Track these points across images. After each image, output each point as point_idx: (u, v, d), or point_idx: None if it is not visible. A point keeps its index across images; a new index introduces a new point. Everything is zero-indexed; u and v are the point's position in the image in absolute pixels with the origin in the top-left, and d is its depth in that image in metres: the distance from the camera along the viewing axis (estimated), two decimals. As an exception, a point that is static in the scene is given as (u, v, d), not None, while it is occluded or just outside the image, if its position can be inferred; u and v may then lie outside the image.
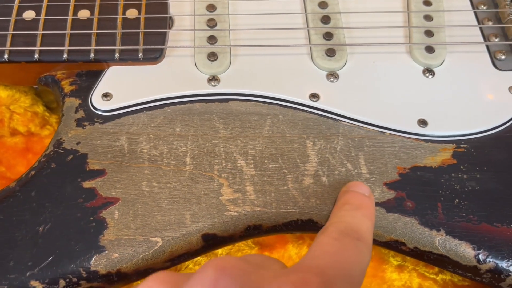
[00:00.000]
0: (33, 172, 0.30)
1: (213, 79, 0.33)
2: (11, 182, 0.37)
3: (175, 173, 0.30)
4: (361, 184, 0.29)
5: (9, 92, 0.36)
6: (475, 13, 0.37)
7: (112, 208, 0.29)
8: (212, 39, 0.34)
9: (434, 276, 0.35)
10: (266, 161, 0.31)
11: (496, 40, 0.35)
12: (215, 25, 0.35)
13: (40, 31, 0.33)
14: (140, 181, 0.30)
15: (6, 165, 0.39)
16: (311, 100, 0.33)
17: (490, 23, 0.36)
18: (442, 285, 0.35)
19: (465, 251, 0.29)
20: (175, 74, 0.33)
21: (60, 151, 0.31)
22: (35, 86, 0.36)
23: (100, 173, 0.30)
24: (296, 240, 0.35)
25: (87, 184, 0.30)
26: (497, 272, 0.28)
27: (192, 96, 0.33)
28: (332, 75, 0.34)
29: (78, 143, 0.31)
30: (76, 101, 0.33)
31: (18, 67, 0.33)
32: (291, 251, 0.35)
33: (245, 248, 0.35)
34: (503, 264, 0.28)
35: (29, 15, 0.34)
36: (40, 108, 0.38)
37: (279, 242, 0.35)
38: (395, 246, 0.30)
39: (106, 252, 0.28)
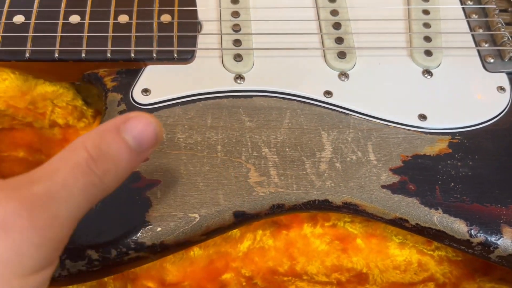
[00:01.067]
0: (83, 158, 0.34)
1: (239, 77, 0.38)
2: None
3: (208, 159, 0.35)
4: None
5: (54, 87, 0.40)
6: (468, 22, 0.42)
7: (155, 189, 0.33)
8: (237, 42, 0.39)
9: (432, 252, 0.39)
10: (287, 149, 0.35)
11: (486, 45, 0.40)
12: (240, 30, 0.39)
13: (85, 34, 0.37)
14: (178, 166, 0.34)
15: (46, 154, 0.43)
16: (325, 96, 0.37)
17: (481, 30, 0.41)
18: (438, 260, 0.39)
19: (459, 227, 0.33)
20: (205, 73, 0.38)
21: (107, 139, 0.35)
22: (77, 82, 0.40)
23: (143, 158, 0.34)
24: (311, 220, 0.39)
25: (132, 168, 0.34)
26: (486, 245, 0.33)
27: (220, 92, 0.37)
28: (343, 74, 0.38)
29: (122, 133, 0.35)
30: (118, 96, 0.37)
31: (65, 65, 0.37)
32: (306, 230, 0.39)
33: (266, 226, 0.39)
34: (492, 238, 0.33)
35: (74, 19, 0.38)
36: (79, 102, 0.42)
37: (295, 221, 0.39)
38: (400, 223, 0.34)
39: (151, 226, 0.32)
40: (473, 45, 0.40)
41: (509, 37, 0.40)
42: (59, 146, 0.44)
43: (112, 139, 0.25)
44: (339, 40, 0.39)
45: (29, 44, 0.37)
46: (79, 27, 0.38)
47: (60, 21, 0.38)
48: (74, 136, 0.44)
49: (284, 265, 0.38)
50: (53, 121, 0.43)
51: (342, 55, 0.39)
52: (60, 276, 0.31)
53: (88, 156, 0.24)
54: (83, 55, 0.37)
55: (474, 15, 0.42)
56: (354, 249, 0.39)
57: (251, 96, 0.37)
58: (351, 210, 0.34)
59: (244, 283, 0.38)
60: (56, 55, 0.36)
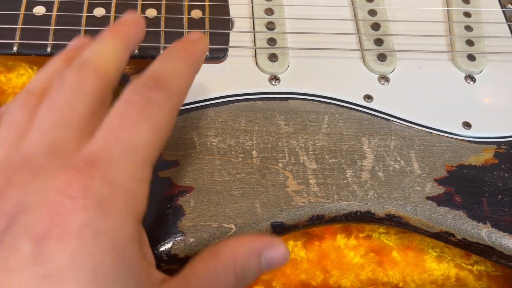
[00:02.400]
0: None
1: (274, 78, 0.35)
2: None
3: (243, 165, 0.32)
4: (195, 33, 0.27)
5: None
6: (509, 26, 0.40)
7: (187, 196, 0.31)
8: (272, 41, 0.37)
9: (470, 267, 0.37)
10: (326, 156, 0.33)
11: (529, 51, 0.38)
12: (274, 28, 0.37)
13: (111, 28, 0.35)
14: (212, 172, 0.32)
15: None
16: (365, 100, 0.35)
17: (523, 35, 0.39)
18: (477, 275, 0.37)
19: (509, 242, 0.32)
20: (238, 73, 0.36)
21: (134, 142, 0.33)
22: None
23: (174, 163, 0.32)
24: (344, 231, 0.37)
25: (162, 174, 0.32)
26: (536, 262, 0.32)
27: (254, 94, 0.35)
28: (384, 78, 0.36)
29: (150, 135, 0.33)
30: (145, 95, 0.34)
31: (89, 61, 0.35)
32: (340, 241, 0.37)
33: (297, 237, 0.37)
34: (542, 254, 0.31)
35: (99, 12, 0.36)
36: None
37: (328, 232, 0.37)
38: (445, 237, 0.32)
39: (184, 237, 0.30)
40: (516, 50, 0.39)
41: (554, 43, 0.38)
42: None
43: (253, 263, 0.24)
44: (379, 42, 0.37)
45: (51, 37, 0.34)
46: (104, 20, 0.35)
47: (84, 14, 0.35)
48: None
49: (317, 278, 0.36)
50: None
51: (382, 57, 0.37)
52: None
53: (235, 278, 0.24)
54: (109, 51, 0.34)
55: (515, 19, 0.40)
56: (390, 262, 0.37)
57: (286, 99, 0.35)
58: (394, 222, 0.32)
59: (275, 297, 0.35)
60: (81, 50, 0.34)
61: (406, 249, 0.38)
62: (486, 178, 0.33)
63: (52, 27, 0.34)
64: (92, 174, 0.20)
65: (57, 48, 0.34)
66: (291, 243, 0.37)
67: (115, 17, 0.36)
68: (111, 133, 0.21)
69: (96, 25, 0.35)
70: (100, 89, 0.23)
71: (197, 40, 0.26)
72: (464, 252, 0.38)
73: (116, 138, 0.21)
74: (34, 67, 0.36)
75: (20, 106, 0.24)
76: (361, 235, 0.38)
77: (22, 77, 0.36)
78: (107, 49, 0.25)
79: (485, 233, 0.32)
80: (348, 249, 0.37)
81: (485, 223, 0.32)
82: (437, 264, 0.37)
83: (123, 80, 0.35)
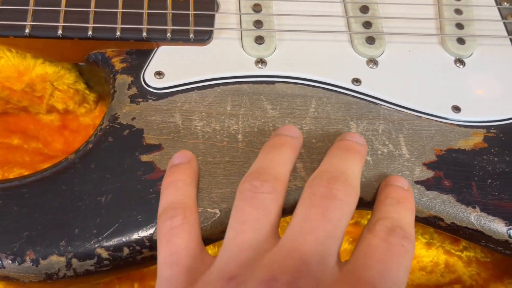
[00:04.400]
0: (91, 145, 0.31)
1: (261, 61, 0.35)
2: (49, 159, 0.38)
3: (228, 149, 0.32)
4: (400, 178, 0.31)
5: (55, 68, 0.36)
6: (499, 9, 0.39)
7: (171, 181, 0.30)
8: (258, 23, 0.36)
9: (459, 253, 0.37)
10: (313, 140, 0.33)
11: (520, 34, 0.38)
12: (260, 10, 0.36)
13: (92, 9, 0.34)
14: (196, 156, 0.31)
15: (43, 141, 0.40)
16: (353, 84, 0.35)
17: (514, 18, 0.39)
18: (466, 261, 0.37)
19: (498, 226, 0.31)
20: (224, 56, 0.35)
21: (116, 125, 0.32)
22: (80, 63, 0.37)
23: (157, 147, 0.31)
24: (333, 218, 0.37)
25: (145, 158, 0.31)
26: (526, 246, 0.31)
27: (240, 78, 0.34)
28: (372, 61, 0.36)
29: (133, 119, 0.32)
30: (128, 78, 0.33)
31: (69, 43, 0.34)
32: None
33: (283, 224, 0.36)
34: (531, 239, 0.31)
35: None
36: (81, 86, 0.38)
37: (316, 219, 0.37)
38: (434, 222, 0.32)
39: (167, 222, 0.29)
40: (505, 33, 0.38)
41: (544, 27, 0.38)
42: (58, 134, 0.40)
43: None
44: (367, 25, 0.37)
45: (29, 18, 0.33)
46: (85, 1, 0.34)
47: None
48: (74, 122, 0.41)
49: (304, 265, 0.35)
50: (51, 106, 0.39)
51: (370, 40, 0.36)
52: (65, 277, 0.28)
53: None
54: (90, 32, 0.33)
55: (505, 3, 0.39)
56: (378, 248, 0.36)
57: (273, 82, 0.34)
58: (382, 207, 0.32)
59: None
60: (60, 31, 0.33)
61: (395, 235, 0.37)
62: (476, 162, 0.33)
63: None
64: None
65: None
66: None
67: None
68: (381, 266, 0.25)
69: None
70: (354, 209, 0.27)
71: (409, 189, 0.30)
72: (453, 238, 0.37)
73: (388, 272, 0.24)
74: (13, 50, 0.35)
75: (269, 190, 0.27)
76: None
77: (0, 60, 0.35)
78: (356, 167, 0.29)
79: (474, 218, 0.31)
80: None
81: (474, 207, 0.31)
82: (426, 251, 0.37)
83: (103, 62, 0.34)
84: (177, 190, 0.28)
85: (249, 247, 0.25)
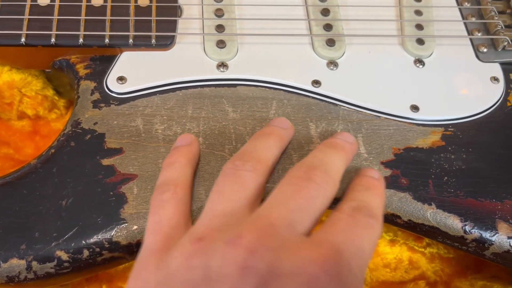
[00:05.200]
0: (53, 150, 0.32)
1: (222, 65, 0.35)
2: (20, 164, 0.38)
3: (189, 152, 0.32)
4: (371, 169, 0.32)
5: (22, 75, 0.37)
6: (460, 10, 0.40)
7: (131, 183, 0.31)
8: (220, 28, 0.36)
9: (423, 250, 0.38)
10: (273, 141, 0.33)
11: (479, 34, 0.39)
12: (223, 14, 0.37)
13: (55, 16, 0.34)
14: (156, 159, 0.32)
15: (14, 147, 0.40)
16: (313, 86, 0.35)
17: (474, 19, 0.39)
18: (430, 257, 0.38)
19: (454, 223, 0.32)
20: (186, 60, 0.35)
21: (78, 130, 0.32)
22: (47, 70, 0.37)
23: (118, 151, 0.32)
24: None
25: (106, 162, 0.31)
26: (481, 242, 0.32)
27: (202, 81, 0.35)
28: (332, 63, 0.36)
29: (95, 123, 0.33)
30: (91, 84, 0.34)
31: (33, 51, 0.34)
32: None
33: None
34: (487, 234, 0.32)
35: (44, 0, 0.35)
36: (50, 92, 0.39)
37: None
38: (391, 219, 0.33)
39: (127, 224, 0.30)
40: (465, 34, 0.39)
41: (503, 26, 0.38)
42: (29, 139, 0.41)
43: None
44: (328, 27, 0.37)
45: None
46: (48, 9, 0.35)
47: (28, 3, 0.35)
48: (45, 128, 0.41)
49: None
50: (21, 112, 0.40)
51: (331, 42, 0.37)
52: (26, 279, 0.29)
53: None
54: (53, 39, 0.34)
55: (466, 3, 0.40)
56: (342, 246, 0.37)
57: (234, 85, 0.35)
58: (341, 205, 0.32)
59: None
60: (23, 39, 0.34)
61: (359, 233, 0.38)
62: (433, 160, 0.34)
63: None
64: (342, 261, 0.24)
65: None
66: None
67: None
68: (346, 234, 0.25)
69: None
70: (331, 199, 0.28)
71: (379, 179, 0.31)
72: (416, 235, 0.38)
73: (352, 240, 0.25)
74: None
75: (249, 169, 0.28)
76: (314, 220, 0.38)
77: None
78: (337, 162, 0.30)
79: (430, 214, 0.32)
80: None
81: (430, 204, 0.32)
82: (390, 248, 0.38)
83: (67, 68, 0.35)
84: (173, 170, 0.30)
85: (223, 214, 0.26)
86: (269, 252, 0.23)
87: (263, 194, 0.29)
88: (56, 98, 0.40)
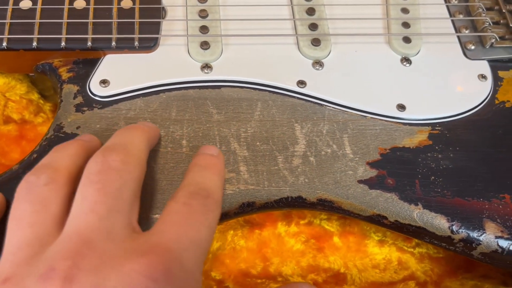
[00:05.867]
0: (35, 155, 0.31)
1: (206, 66, 0.35)
2: (5, 169, 0.38)
3: (172, 155, 0.32)
4: (210, 146, 0.31)
5: (5, 79, 0.37)
6: (447, 7, 0.40)
7: (113, 188, 0.30)
8: (204, 29, 0.36)
9: (412, 250, 0.37)
10: (258, 143, 0.33)
11: (466, 31, 0.38)
12: (207, 15, 0.37)
13: (37, 20, 0.34)
14: (140, 163, 0.31)
15: (0, 152, 0.40)
16: (298, 86, 0.35)
17: (461, 16, 0.39)
18: (419, 257, 0.37)
19: (440, 223, 0.31)
20: (170, 62, 0.35)
21: (61, 135, 0.32)
22: (31, 74, 0.37)
23: (100, 155, 0.31)
24: (285, 218, 0.37)
25: (88, 166, 0.31)
26: (468, 241, 0.31)
27: (186, 83, 0.35)
28: (318, 63, 0.36)
29: (78, 127, 0.32)
30: (74, 88, 0.34)
31: (15, 55, 0.34)
32: (280, 229, 0.37)
33: (237, 226, 0.37)
34: (474, 234, 0.31)
35: (25, 4, 0.35)
36: (35, 96, 0.39)
37: (269, 220, 0.37)
38: (378, 220, 0.32)
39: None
40: (453, 31, 0.38)
41: (490, 23, 0.38)
42: (15, 144, 0.40)
43: None
44: (313, 27, 0.37)
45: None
46: (30, 13, 0.35)
47: (10, 7, 0.35)
48: (32, 132, 0.41)
49: (257, 267, 0.36)
50: (7, 117, 0.40)
51: (316, 42, 0.36)
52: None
53: None
54: (35, 43, 0.34)
55: (454, 0, 0.40)
56: (331, 248, 0.37)
57: (219, 87, 0.35)
58: (326, 207, 0.32)
59: (214, 287, 0.35)
60: (5, 43, 0.33)
61: (347, 234, 0.38)
62: (420, 159, 0.33)
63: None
64: (171, 261, 0.22)
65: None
66: (231, 232, 0.37)
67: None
68: (179, 229, 0.24)
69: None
70: (140, 176, 0.27)
71: (218, 155, 0.30)
72: (405, 235, 0.38)
73: (186, 233, 0.24)
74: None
75: (46, 181, 0.25)
76: (302, 222, 0.37)
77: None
78: (138, 139, 0.28)
79: (417, 215, 0.32)
80: (288, 237, 0.37)
81: (417, 205, 0.32)
82: (379, 249, 0.37)
83: (50, 72, 0.35)
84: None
85: (27, 244, 0.23)
86: (89, 275, 0.21)
87: (70, 206, 0.25)
88: (42, 102, 0.39)
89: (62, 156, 0.27)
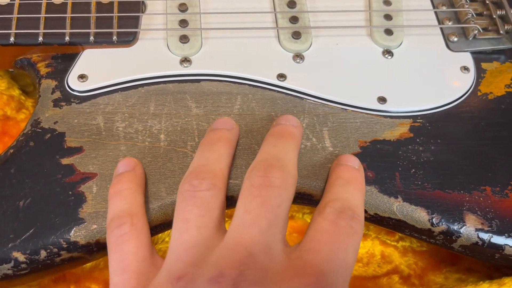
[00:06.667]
0: (11, 151, 0.31)
1: (185, 60, 0.35)
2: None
3: (150, 149, 0.32)
4: (351, 157, 0.31)
5: (-15, 75, 0.37)
6: (431, -1, 0.39)
7: (90, 182, 0.30)
8: (183, 23, 0.36)
9: (395, 243, 0.37)
10: (236, 137, 0.33)
11: (449, 23, 0.38)
12: (186, 9, 0.37)
13: (15, 15, 0.34)
14: (117, 157, 0.31)
15: (-17, 148, 0.40)
16: (278, 80, 0.35)
17: (444, 7, 0.39)
18: (402, 251, 0.37)
19: (420, 215, 0.31)
20: (149, 56, 0.35)
21: (38, 130, 0.32)
22: (10, 70, 0.37)
23: (77, 150, 0.31)
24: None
25: (65, 161, 0.31)
26: (448, 234, 0.31)
27: (165, 77, 0.34)
28: (298, 56, 0.36)
29: (55, 123, 0.32)
30: (52, 83, 0.34)
31: (-7, 51, 0.34)
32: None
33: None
34: (454, 226, 0.31)
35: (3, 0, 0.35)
36: (16, 92, 0.38)
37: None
38: (357, 213, 0.32)
39: (85, 223, 0.29)
40: (436, 23, 0.38)
41: (474, 14, 0.38)
42: (-2, 140, 0.40)
43: None
44: (294, 19, 0.37)
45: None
46: (8, 8, 0.34)
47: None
48: (14, 129, 0.41)
49: (238, 261, 0.36)
50: (-11, 113, 0.39)
51: (296, 35, 0.36)
52: (-16, 282, 0.28)
53: None
54: (12, 38, 0.33)
55: (437, -8, 0.40)
56: (313, 242, 0.37)
57: (198, 81, 0.35)
58: (306, 200, 0.32)
59: (196, 282, 0.35)
60: (-18, 39, 0.33)
61: (330, 228, 0.37)
62: (400, 152, 0.33)
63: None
64: (325, 283, 0.23)
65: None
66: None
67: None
68: (330, 249, 0.25)
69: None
70: (294, 194, 0.28)
71: (359, 168, 0.31)
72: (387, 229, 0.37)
73: (336, 254, 0.25)
74: None
75: (208, 187, 0.27)
76: (284, 216, 0.37)
77: None
78: (292, 153, 0.29)
79: (396, 207, 0.31)
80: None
81: (397, 198, 0.32)
82: (362, 242, 0.37)
83: (29, 67, 0.35)
84: (123, 199, 0.28)
85: (195, 245, 0.25)
86: (253, 286, 0.23)
87: (225, 208, 0.28)
88: (23, 98, 0.39)
89: (216, 158, 0.29)
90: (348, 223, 0.26)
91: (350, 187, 0.29)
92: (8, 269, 0.28)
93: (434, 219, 0.31)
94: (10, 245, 0.28)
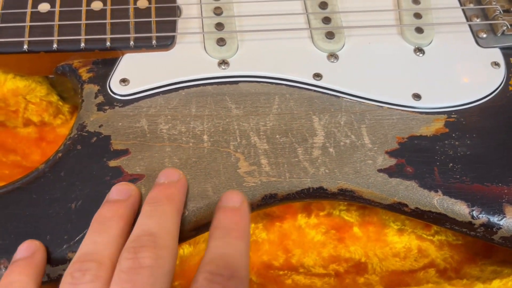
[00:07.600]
0: (60, 154, 0.32)
1: (223, 62, 0.36)
2: (27, 170, 0.39)
3: (194, 150, 0.33)
4: (232, 195, 0.29)
5: (26, 82, 0.37)
6: (458, -3, 0.40)
7: (138, 184, 0.31)
8: (219, 26, 0.37)
9: (431, 237, 0.38)
10: (277, 136, 0.33)
11: (478, 20, 0.39)
12: (222, 12, 0.37)
13: (56, 22, 0.35)
14: (163, 159, 0.32)
15: (21, 154, 0.41)
16: (314, 79, 0.35)
17: (471, 5, 0.39)
18: (438, 245, 0.38)
19: (461, 208, 0.32)
20: (187, 59, 0.36)
21: (84, 133, 0.33)
22: (50, 76, 0.38)
23: (124, 152, 0.32)
24: (305, 210, 0.38)
25: (112, 163, 0.32)
26: (489, 226, 0.32)
27: (204, 79, 0.35)
28: (332, 56, 0.37)
29: (100, 126, 0.33)
30: (95, 87, 0.34)
31: (36, 57, 0.35)
32: (301, 221, 0.37)
33: (258, 219, 0.37)
34: (494, 218, 0.32)
35: (44, 7, 0.35)
36: (54, 98, 0.39)
37: (289, 212, 0.38)
38: (398, 208, 0.33)
39: (136, 224, 0.30)
40: (464, 20, 0.39)
41: (501, 11, 0.38)
42: (35, 146, 0.41)
43: None
44: (326, 20, 0.37)
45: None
46: (49, 15, 0.35)
47: (29, 10, 0.35)
48: (51, 134, 0.42)
49: (279, 259, 0.36)
50: (27, 119, 0.40)
51: (330, 35, 0.37)
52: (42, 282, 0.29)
53: None
54: (55, 45, 0.34)
55: (464, -10, 0.40)
56: (351, 238, 0.37)
57: (236, 82, 0.35)
58: (347, 196, 0.33)
59: (238, 280, 0.36)
60: (25, 46, 0.34)
61: (367, 224, 0.38)
62: (437, 147, 0.34)
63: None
64: None
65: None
66: (252, 225, 0.37)
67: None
68: None
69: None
70: (174, 266, 0.26)
71: (241, 204, 0.29)
72: (424, 223, 0.38)
73: None
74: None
75: (91, 279, 0.25)
76: (321, 213, 0.38)
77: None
78: (169, 222, 0.27)
79: (437, 201, 0.32)
80: (309, 228, 0.37)
81: (437, 191, 0.32)
82: (399, 237, 0.38)
83: (70, 73, 0.36)
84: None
85: None
86: None
87: None
88: (61, 103, 0.40)
89: (106, 243, 0.26)
90: (224, 285, 0.24)
91: (229, 239, 0.27)
92: (63, 270, 0.29)
93: (474, 212, 0.32)
94: (65, 246, 0.29)
